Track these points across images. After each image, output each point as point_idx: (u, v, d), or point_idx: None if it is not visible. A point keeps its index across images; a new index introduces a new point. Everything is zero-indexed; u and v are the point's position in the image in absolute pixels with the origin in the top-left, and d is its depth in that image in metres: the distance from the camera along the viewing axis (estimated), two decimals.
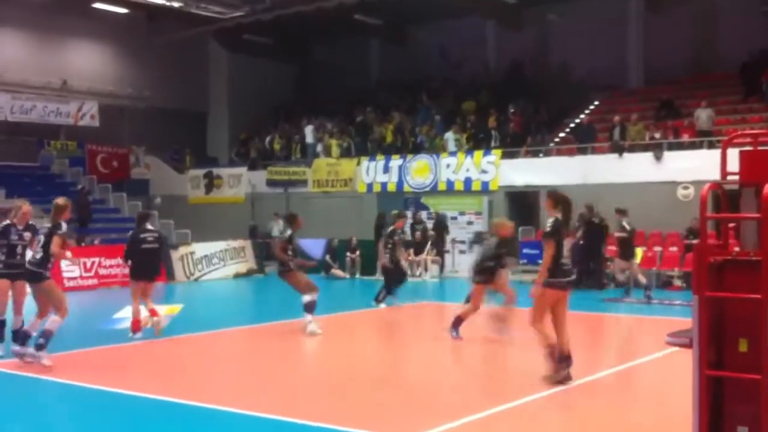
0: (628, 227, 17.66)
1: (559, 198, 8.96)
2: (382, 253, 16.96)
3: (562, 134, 26.18)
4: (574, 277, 9.16)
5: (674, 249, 20.31)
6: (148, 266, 12.46)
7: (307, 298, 12.46)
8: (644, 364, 10.52)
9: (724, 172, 5.22)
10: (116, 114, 31.50)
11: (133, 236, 12.56)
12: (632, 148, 22.75)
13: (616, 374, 9.87)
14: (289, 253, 12.66)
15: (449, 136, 26.20)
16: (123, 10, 29.62)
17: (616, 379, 9.71)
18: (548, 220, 8.91)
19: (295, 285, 12.68)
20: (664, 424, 7.36)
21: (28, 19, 28.56)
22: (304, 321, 12.57)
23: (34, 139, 29.34)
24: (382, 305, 16.31)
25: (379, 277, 22.24)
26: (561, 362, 8.78)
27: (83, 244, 21.80)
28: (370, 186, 27.08)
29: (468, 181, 24.99)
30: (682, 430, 5.49)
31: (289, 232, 12.83)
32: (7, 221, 10.41)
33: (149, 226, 12.80)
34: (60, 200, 10.34)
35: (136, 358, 10.82)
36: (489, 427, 7.39)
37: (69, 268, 19.43)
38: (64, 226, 10.05)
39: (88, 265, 20.24)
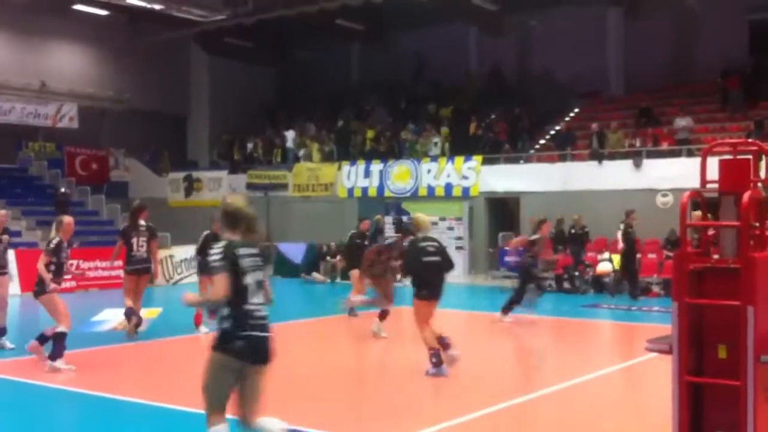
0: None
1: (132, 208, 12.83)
2: None
3: (542, 141, 26.30)
4: (141, 266, 12.53)
5: (653, 256, 20.43)
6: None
7: (386, 303, 12.74)
8: (623, 369, 10.57)
9: (704, 180, 5.27)
10: (96, 116, 31.32)
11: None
12: (612, 156, 22.91)
13: (594, 380, 9.92)
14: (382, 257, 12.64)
15: (437, 140, 26.28)
16: (103, 12, 29.47)
17: (595, 385, 9.75)
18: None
19: (380, 290, 12.76)
20: (643, 430, 7.40)
21: (8, 20, 28.32)
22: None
23: (12, 140, 29.10)
24: (508, 318, 14.84)
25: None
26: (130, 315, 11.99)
27: None
28: (350, 191, 27.07)
29: (449, 187, 25.04)
30: None
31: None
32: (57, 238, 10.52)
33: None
34: (63, 218, 10.50)
35: (115, 361, 10.76)
36: None
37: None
38: (54, 243, 10.06)
39: (65, 267, 20.07)
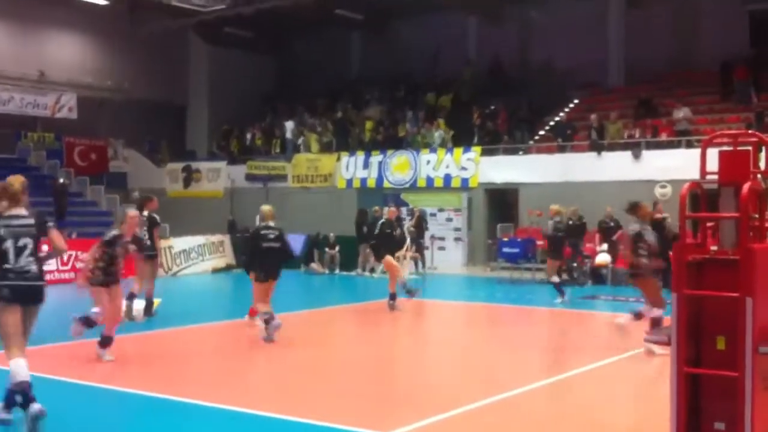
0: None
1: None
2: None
3: (542, 132, 26.26)
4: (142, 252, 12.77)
5: None
6: None
7: (655, 311, 10.33)
8: (621, 360, 10.57)
9: (704, 172, 5.26)
10: (95, 106, 31.25)
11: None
12: (611, 147, 22.89)
13: (592, 371, 9.92)
14: (641, 252, 10.34)
15: (439, 134, 26.20)
16: (103, 2, 29.37)
17: (593, 377, 9.75)
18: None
19: (647, 294, 10.65)
20: (642, 421, 7.41)
21: (6, 9, 28.25)
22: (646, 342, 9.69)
23: (11, 130, 29.05)
24: None
25: (364, 273, 22.34)
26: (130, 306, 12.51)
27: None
28: (349, 182, 27.07)
29: (448, 178, 25.03)
30: (659, 427, 5.53)
31: (636, 226, 10.54)
32: (116, 231, 10.01)
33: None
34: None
35: (113, 352, 10.74)
36: (464, 423, 7.40)
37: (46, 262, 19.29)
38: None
39: (65, 258, 20.06)
